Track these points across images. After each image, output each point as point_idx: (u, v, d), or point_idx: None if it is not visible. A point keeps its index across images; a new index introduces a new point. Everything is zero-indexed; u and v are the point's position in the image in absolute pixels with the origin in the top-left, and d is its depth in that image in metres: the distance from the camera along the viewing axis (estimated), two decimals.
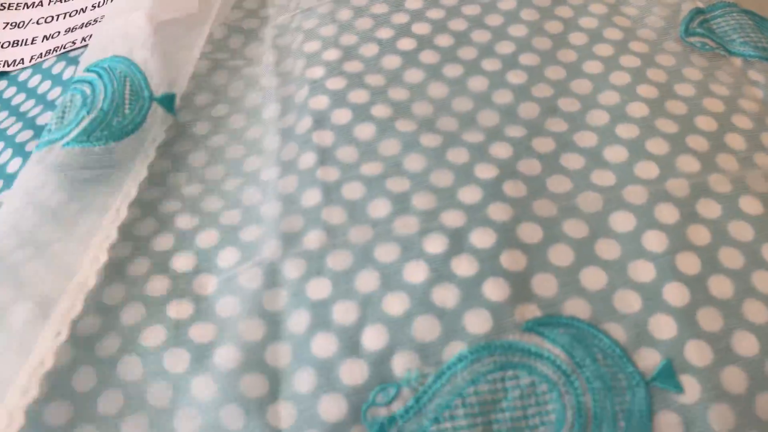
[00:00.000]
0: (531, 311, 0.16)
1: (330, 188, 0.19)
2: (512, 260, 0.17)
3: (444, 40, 0.22)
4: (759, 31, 0.23)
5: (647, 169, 0.18)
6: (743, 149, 0.19)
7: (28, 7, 0.29)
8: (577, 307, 0.16)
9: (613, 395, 0.15)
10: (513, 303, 0.16)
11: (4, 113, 0.26)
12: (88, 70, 0.22)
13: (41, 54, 0.27)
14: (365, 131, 0.20)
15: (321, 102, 0.21)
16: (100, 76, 0.21)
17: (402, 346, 0.16)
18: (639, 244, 0.17)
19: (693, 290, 0.16)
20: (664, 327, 0.16)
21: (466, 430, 0.15)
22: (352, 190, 0.18)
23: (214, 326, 0.17)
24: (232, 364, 0.16)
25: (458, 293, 0.16)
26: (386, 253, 0.17)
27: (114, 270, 0.18)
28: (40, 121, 0.24)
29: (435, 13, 0.23)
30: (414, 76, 0.21)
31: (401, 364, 0.16)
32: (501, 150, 0.19)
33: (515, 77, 0.21)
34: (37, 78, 0.26)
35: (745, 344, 0.16)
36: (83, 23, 0.28)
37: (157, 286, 0.18)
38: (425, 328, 0.16)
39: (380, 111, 0.20)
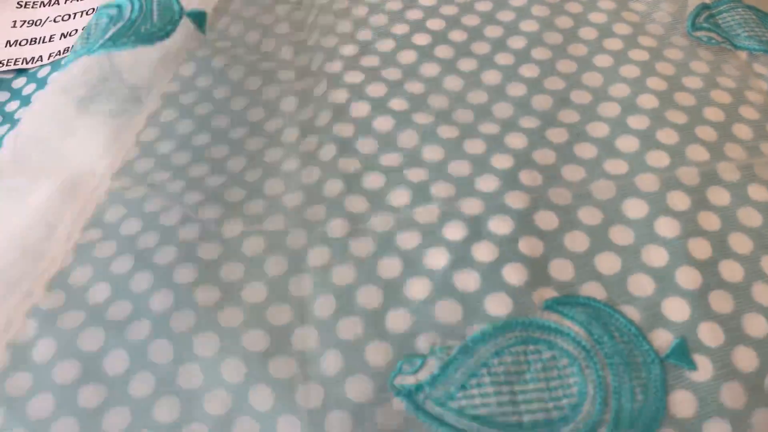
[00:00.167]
0: (549, 294, 0.17)
1: (351, 178, 0.19)
2: (530, 246, 0.17)
3: (458, 36, 0.23)
4: (763, 25, 0.24)
5: (658, 158, 0.19)
6: (750, 139, 0.20)
7: (45, 6, 0.30)
8: (592, 291, 0.17)
9: (631, 370, 0.16)
10: (531, 287, 0.17)
11: (24, 110, 0.26)
12: None
13: (59, 51, 0.28)
14: (384, 123, 0.20)
15: (340, 96, 0.21)
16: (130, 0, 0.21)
17: (425, 329, 0.16)
18: (652, 229, 0.18)
19: (705, 274, 0.17)
20: (677, 309, 0.16)
21: (493, 398, 0.15)
22: (373, 180, 0.19)
23: (241, 311, 0.17)
24: (260, 347, 0.17)
25: (478, 278, 0.17)
26: (408, 240, 0.18)
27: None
28: None
29: (448, 10, 0.23)
30: (430, 70, 0.22)
31: (425, 343, 0.16)
32: (516, 140, 0.20)
33: (528, 71, 0.21)
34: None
35: (756, 325, 0.16)
36: None
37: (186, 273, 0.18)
38: (447, 311, 0.17)
39: (398, 104, 0.21)
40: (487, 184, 0.19)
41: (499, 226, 0.18)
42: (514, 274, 0.17)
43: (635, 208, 0.18)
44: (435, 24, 0.23)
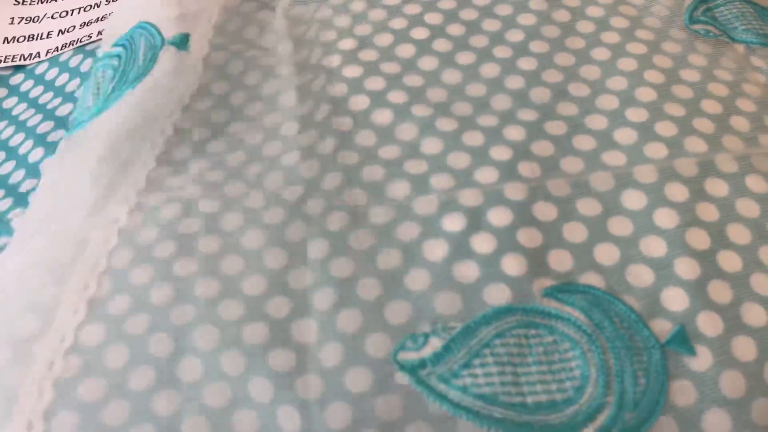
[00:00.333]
0: (548, 284, 0.17)
1: (350, 171, 0.19)
2: (529, 237, 0.17)
3: (456, 29, 0.23)
4: (760, 18, 0.24)
5: (656, 150, 0.19)
6: (748, 131, 0.20)
7: (43, 2, 0.30)
8: (592, 281, 0.17)
9: (633, 355, 0.16)
10: (531, 277, 0.17)
11: (23, 105, 0.26)
12: (115, 45, 0.23)
13: (57, 48, 0.28)
14: (383, 116, 0.20)
15: (339, 89, 0.21)
16: (125, 48, 0.22)
17: (425, 320, 0.16)
18: (650, 220, 0.18)
19: (703, 264, 0.17)
20: (676, 299, 0.17)
21: (497, 377, 0.15)
22: (372, 173, 0.19)
23: (241, 304, 0.17)
24: (259, 339, 0.17)
25: (478, 269, 0.17)
26: (407, 231, 0.18)
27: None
28: (59, 113, 0.25)
29: (446, 4, 0.24)
30: (428, 63, 0.22)
31: (429, 327, 0.16)
32: (515, 132, 0.20)
33: (526, 63, 0.21)
34: (55, 71, 0.27)
35: (754, 315, 0.16)
36: (98, 17, 0.28)
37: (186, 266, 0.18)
38: (447, 302, 0.17)
39: (396, 97, 0.21)
40: (486, 175, 0.19)
41: (498, 217, 0.18)
42: (513, 265, 0.17)
43: (634, 199, 0.18)
44: (433, 18, 0.23)
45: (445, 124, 0.20)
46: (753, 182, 0.19)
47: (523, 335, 0.16)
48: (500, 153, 0.19)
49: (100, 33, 0.27)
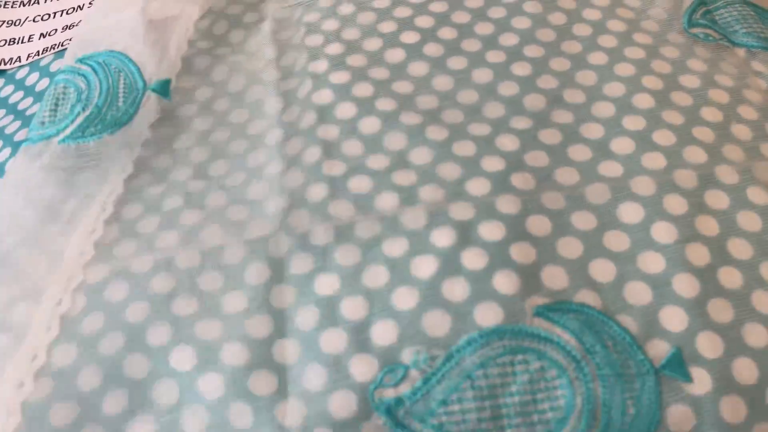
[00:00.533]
0: (541, 303, 0.16)
1: (336, 182, 0.18)
2: (522, 253, 0.17)
3: (447, 33, 0.22)
4: (761, 21, 0.23)
5: (654, 160, 0.18)
6: (749, 139, 0.19)
7: (24, 5, 0.29)
8: (587, 299, 0.16)
9: (623, 382, 0.15)
10: (523, 295, 0.16)
11: (2, 111, 0.25)
12: (81, 61, 0.22)
13: (38, 52, 0.27)
14: (370, 125, 0.19)
15: (325, 96, 0.20)
16: (95, 71, 0.22)
17: (412, 341, 0.16)
18: (648, 235, 0.17)
19: (703, 281, 0.16)
20: (674, 318, 0.16)
21: (475, 413, 0.15)
22: (359, 184, 0.18)
23: (220, 323, 0.17)
24: (239, 361, 0.16)
25: (468, 287, 0.16)
26: (394, 246, 0.17)
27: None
28: None
29: (438, 7, 0.23)
30: (418, 68, 0.21)
31: (410, 356, 0.15)
32: (508, 142, 0.19)
33: (520, 69, 0.21)
34: (35, 75, 0.26)
35: (756, 335, 0.16)
36: (80, 21, 0.28)
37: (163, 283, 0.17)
38: (435, 323, 0.16)
39: (385, 104, 0.20)
40: (478, 187, 0.18)
41: (490, 231, 0.17)
42: (505, 282, 0.16)
43: (631, 213, 0.17)
44: (424, 21, 0.22)
45: (436, 133, 0.19)
46: (754, 194, 0.18)
47: (509, 362, 0.15)
48: (492, 164, 0.18)
49: None
